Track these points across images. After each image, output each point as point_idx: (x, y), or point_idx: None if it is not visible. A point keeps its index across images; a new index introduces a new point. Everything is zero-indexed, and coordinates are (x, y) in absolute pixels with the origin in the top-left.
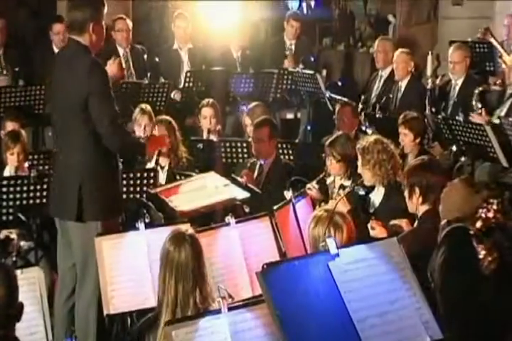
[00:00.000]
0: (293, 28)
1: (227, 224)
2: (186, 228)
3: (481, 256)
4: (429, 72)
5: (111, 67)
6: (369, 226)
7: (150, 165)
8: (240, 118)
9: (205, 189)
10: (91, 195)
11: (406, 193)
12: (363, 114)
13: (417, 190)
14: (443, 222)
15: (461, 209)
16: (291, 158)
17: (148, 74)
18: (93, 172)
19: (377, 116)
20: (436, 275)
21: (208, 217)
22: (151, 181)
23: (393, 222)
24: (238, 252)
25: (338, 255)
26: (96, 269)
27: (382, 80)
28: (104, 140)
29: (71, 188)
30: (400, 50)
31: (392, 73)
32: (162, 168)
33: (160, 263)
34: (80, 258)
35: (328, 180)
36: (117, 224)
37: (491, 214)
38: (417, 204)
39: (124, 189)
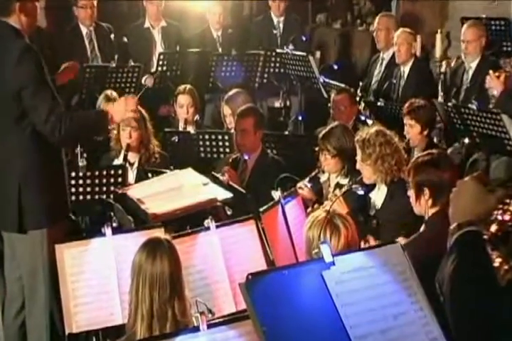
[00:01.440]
0: (275, 2)
1: (207, 229)
2: (160, 233)
3: (496, 265)
4: (438, 53)
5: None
6: (364, 242)
7: (117, 161)
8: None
9: (181, 188)
10: (32, 201)
11: (412, 193)
12: (362, 102)
13: (426, 191)
14: (453, 225)
15: (474, 211)
16: (280, 152)
17: (116, 57)
18: (33, 176)
19: (378, 104)
20: (445, 286)
21: (185, 221)
22: (119, 180)
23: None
24: (219, 261)
25: (333, 263)
26: (48, 283)
27: (384, 63)
28: (48, 137)
29: (10, 196)
30: (401, 29)
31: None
32: (131, 164)
33: (131, 274)
34: (27, 271)
35: (322, 178)
36: (64, 228)
37: (507, 217)
38: (425, 207)
39: (88, 189)
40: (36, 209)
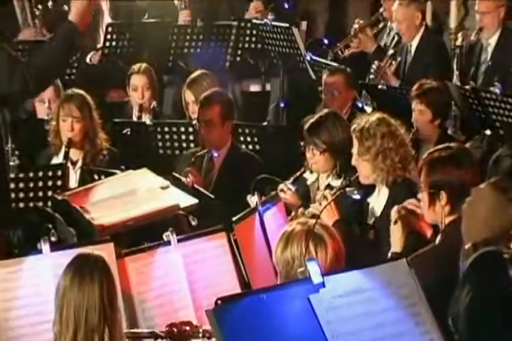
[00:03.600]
0: None
1: (167, 244)
2: (107, 250)
3: None
4: (452, 23)
5: None
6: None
7: (57, 159)
8: None
9: (135, 193)
10: None
11: (424, 197)
12: (359, 84)
13: (443, 194)
14: (467, 245)
15: (491, 227)
16: (257, 147)
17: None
18: None
19: (380, 87)
20: (461, 323)
21: (139, 234)
22: (59, 183)
23: None
24: (182, 283)
25: (323, 285)
26: None
27: (391, 34)
28: (25, 96)
29: None
30: (397, 2)
31: None
32: (74, 163)
33: (55, 298)
34: None
35: (310, 179)
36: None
37: None
38: (441, 214)
39: (21, 195)
40: None
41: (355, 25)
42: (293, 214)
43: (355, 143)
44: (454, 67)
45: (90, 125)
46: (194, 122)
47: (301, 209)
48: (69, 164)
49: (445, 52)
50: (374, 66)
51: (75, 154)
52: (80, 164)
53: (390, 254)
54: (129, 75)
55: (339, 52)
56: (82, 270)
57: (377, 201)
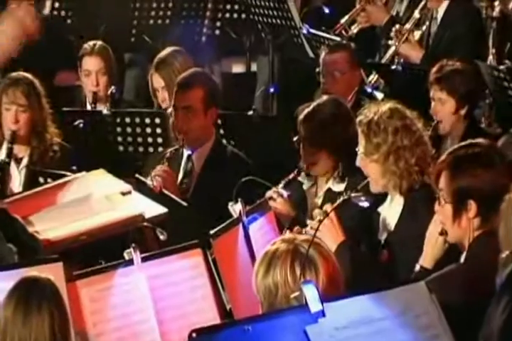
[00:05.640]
0: None
1: (128, 263)
2: (56, 271)
3: None
4: None
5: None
6: None
7: None
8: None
9: (89, 200)
10: None
11: (446, 211)
12: (368, 63)
13: (472, 205)
14: (505, 253)
15: None
16: (241, 143)
17: None
18: None
19: (393, 68)
20: None
21: (95, 251)
22: None
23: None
24: (147, 312)
25: (322, 314)
26: None
27: (404, 3)
28: None
29: None
30: None
31: None
32: (18, 162)
33: None
34: None
35: (306, 183)
36: None
37: None
38: (469, 229)
39: None
40: None
41: None
42: (285, 231)
43: (362, 139)
44: (490, 43)
45: (39, 116)
46: (168, 111)
47: (297, 228)
48: (12, 163)
49: (479, 22)
50: (394, 29)
51: (20, 151)
52: (25, 163)
53: (416, 267)
54: (81, 57)
55: (343, 31)
56: (28, 298)
57: (390, 212)
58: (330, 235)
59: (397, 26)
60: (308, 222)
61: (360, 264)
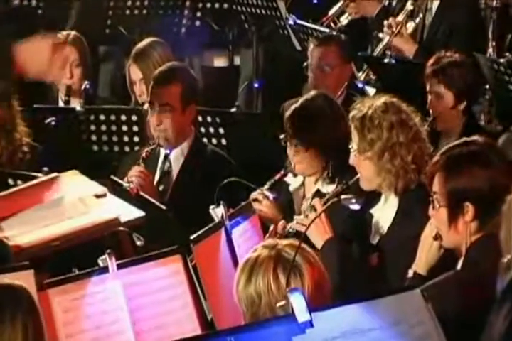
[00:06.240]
0: None
1: (103, 271)
2: (26, 278)
3: None
4: None
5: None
6: None
7: None
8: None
9: (61, 204)
10: None
11: (441, 215)
12: (359, 57)
13: (469, 207)
14: (506, 258)
15: None
16: (222, 142)
17: None
18: None
19: (386, 61)
20: None
21: (68, 258)
22: None
23: None
24: (123, 322)
25: (310, 324)
26: None
27: None
28: None
29: None
30: None
31: None
32: None
33: None
34: None
35: (293, 184)
36: None
37: None
38: (466, 234)
39: None
40: None
41: None
42: (271, 229)
43: (354, 135)
44: (490, 34)
45: (7, 114)
46: (144, 107)
47: (282, 222)
48: None
49: (477, 13)
50: (386, 23)
51: None
52: None
53: (409, 273)
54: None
55: (332, 23)
56: (1, 309)
57: (384, 213)
58: (318, 231)
59: (390, 19)
60: (295, 217)
61: (349, 262)
